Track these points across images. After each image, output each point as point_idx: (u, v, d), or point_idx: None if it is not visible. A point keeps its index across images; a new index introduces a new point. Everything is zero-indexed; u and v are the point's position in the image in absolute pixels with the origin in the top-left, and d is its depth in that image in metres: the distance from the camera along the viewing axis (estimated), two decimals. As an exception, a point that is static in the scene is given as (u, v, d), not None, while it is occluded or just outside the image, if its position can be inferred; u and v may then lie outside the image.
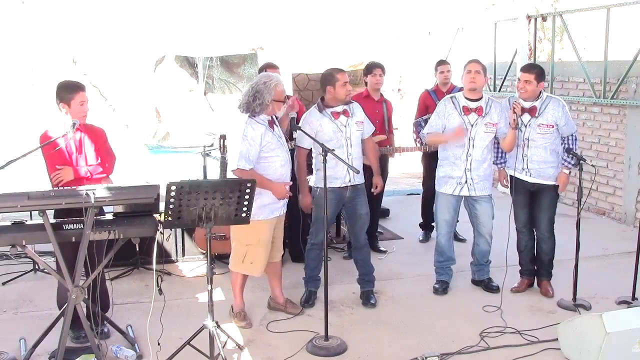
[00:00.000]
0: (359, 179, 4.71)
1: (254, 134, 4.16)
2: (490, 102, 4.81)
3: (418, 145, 6.23)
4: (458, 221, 5.39)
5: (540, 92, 4.73)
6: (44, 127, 4.08)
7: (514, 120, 4.63)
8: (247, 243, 4.29)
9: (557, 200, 4.88)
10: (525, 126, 4.74)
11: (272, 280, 4.65)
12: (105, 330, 4.12)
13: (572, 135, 4.76)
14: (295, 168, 4.70)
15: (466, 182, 4.82)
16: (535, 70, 4.69)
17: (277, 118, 4.40)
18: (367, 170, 4.96)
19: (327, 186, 4.31)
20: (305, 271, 4.86)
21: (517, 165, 4.84)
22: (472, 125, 4.75)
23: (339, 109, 4.65)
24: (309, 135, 4.43)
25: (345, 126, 4.63)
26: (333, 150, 4.33)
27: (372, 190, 4.96)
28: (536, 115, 4.70)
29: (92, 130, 4.18)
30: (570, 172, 4.81)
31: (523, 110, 4.72)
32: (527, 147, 4.76)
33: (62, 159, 4.01)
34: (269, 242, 4.38)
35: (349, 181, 4.65)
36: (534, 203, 4.87)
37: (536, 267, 5.02)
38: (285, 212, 4.49)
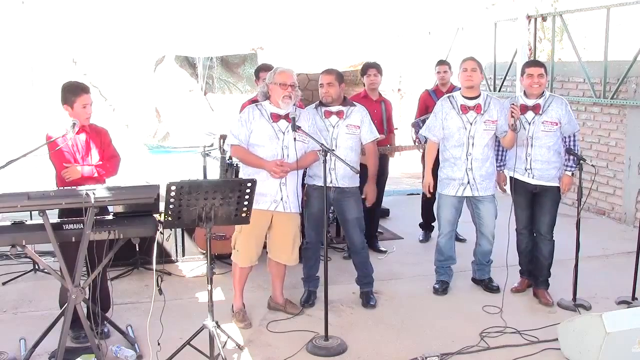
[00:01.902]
0: (346, 183, 4.63)
1: (246, 117, 4.31)
2: (488, 99, 4.80)
3: (417, 145, 6.24)
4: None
5: (543, 90, 4.74)
6: (44, 126, 4.09)
7: (512, 124, 4.62)
8: (237, 230, 4.38)
9: (559, 202, 4.86)
10: (529, 124, 4.71)
11: (274, 280, 4.65)
12: (106, 330, 4.12)
13: (573, 134, 4.73)
14: None
15: (468, 182, 4.81)
16: (542, 64, 4.75)
17: (294, 118, 4.23)
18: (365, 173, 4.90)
19: (311, 183, 4.59)
20: (303, 270, 4.86)
21: (519, 166, 4.81)
22: (471, 124, 4.74)
23: (334, 109, 4.64)
24: (309, 135, 4.45)
25: (334, 127, 4.61)
26: (333, 150, 4.40)
27: (363, 197, 4.81)
28: (540, 112, 4.69)
29: (96, 130, 4.20)
30: (573, 175, 4.79)
31: (527, 108, 4.71)
32: (531, 146, 4.72)
33: (67, 158, 4.02)
34: (254, 234, 4.34)
35: (331, 182, 4.58)
36: (535, 204, 4.86)
37: (534, 272, 4.97)
38: (284, 210, 4.39)
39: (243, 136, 4.29)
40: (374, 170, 4.83)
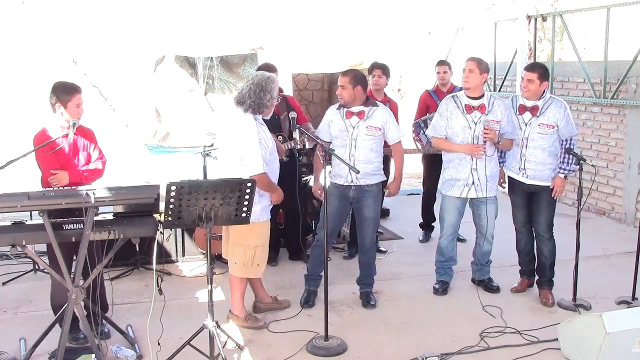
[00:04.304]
0: (367, 180, 4.63)
1: (266, 137, 4.19)
2: (492, 99, 4.79)
3: (418, 146, 6.23)
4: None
5: (544, 91, 4.73)
6: (42, 126, 4.06)
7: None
8: (255, 245, 4.27)
9: (556, 201, 4.85)
10: (526, 125, 4.73)
11: (256, 282, 4.62)
12: (106, 330, 4.12)
13: (570, 138, 4.70)
14: (315, 158, 4.80)
15: (473, 183, 4.79)
16: (538, 70, 4.68)
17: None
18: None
19: (332, 181, 4.63)
20: (308, 267, 4.84)
21: (514, 165, 4.84)
22: (475, 124, 4.74)
23: (356, 109, 4.63)
24: (308, 134, 4.58)
25: (354, 127, 4.60)
26: (334, 150, 4.47)
27: (385, 190, 4.90)
28: (537, 114, 4.69)
29: (83, 131, 4.16)
30: (566, 178, 4.77)
31: (525, 109, 4.74)
32: (526, 146, 4.74)
33: (57, 162, 3.99)
34: (267, 244, 4.42)
35: (351, 181, 4.64)
36: (531, 204, 4.87)
37: (537, 272, 4.99)
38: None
39: (267, 158, 4.20)
40: (401, 169, 4.85)
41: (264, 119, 4.33)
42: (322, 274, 4.41)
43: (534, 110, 4.71)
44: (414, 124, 6.30)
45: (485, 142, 4.68)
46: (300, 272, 4.94)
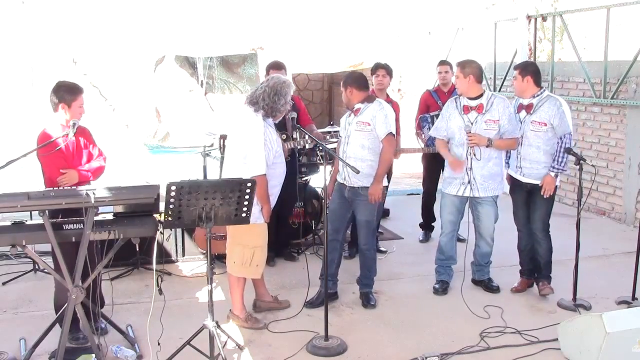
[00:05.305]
0: (359, 182, 4.60)
1: (271, 139, 4.21)
2: (492, 98, 4.80)
3: (419, 141, 6.25)
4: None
5: (543, 89, 4.74)
6: (42, 126, 4.06)
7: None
8: (254, 245, 4.28)
9: (552, 201, 4.83)
10: (522, 122, 4.77)
11: (258, 281, 4.62)
12: (103, 326, 4.11)
13: (564, 136, 4.65)
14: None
15: (469, 182, 4.80)
16: (519, 66, 4.83)
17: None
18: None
19: (337, 179, 4.74)
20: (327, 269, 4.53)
21: (513, 164, 4.89)
22: (472, 123, 4.75)
23: (356, 107, 4.69)
24: (308, 135, 4.65)
25: (349, 124, 4.70)
26: (333, 149, 4.58)
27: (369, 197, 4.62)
28: (531, 112, 4.72)
29: (82, 130, 4.16)
30: (557, 177, 4.73)
31: (522, 107, 4.80)
32: (521, 145, 4.78)
33: (64, 162, 3.99)
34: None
35: (344, 179, 4.67)
36: (529, 202, 4.88)
37: (535, 270, 5.00)
38: None
39: (270, 160, 4.21)
40: (382, 169, 4.59)
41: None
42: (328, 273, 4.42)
43: (528, 108, 4.75)
44: (421, 117, 6.28)
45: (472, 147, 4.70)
46: (301, 272, 4.93)
